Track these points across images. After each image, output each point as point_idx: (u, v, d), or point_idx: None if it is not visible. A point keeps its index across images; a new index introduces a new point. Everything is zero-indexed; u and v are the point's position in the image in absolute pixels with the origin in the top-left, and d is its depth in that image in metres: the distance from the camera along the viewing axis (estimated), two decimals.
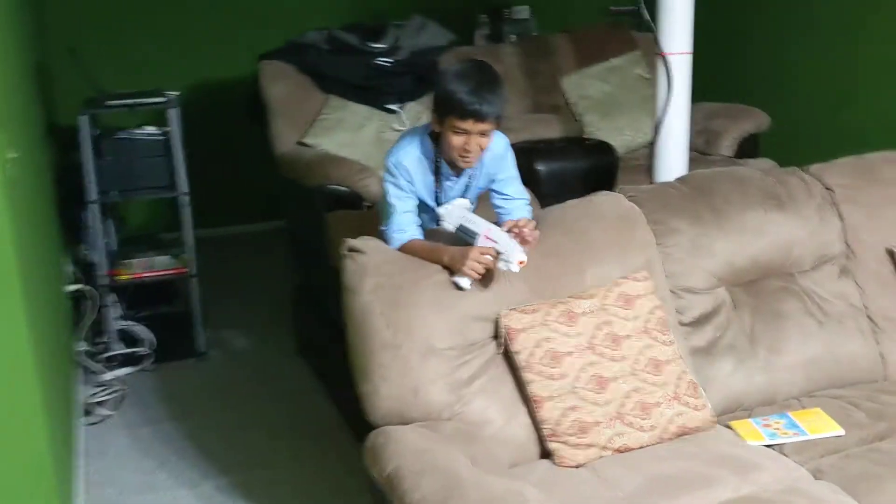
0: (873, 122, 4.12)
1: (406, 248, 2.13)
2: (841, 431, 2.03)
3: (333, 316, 3.13)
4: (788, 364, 2.31)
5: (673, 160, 2.63)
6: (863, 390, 2.30)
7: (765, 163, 3.73)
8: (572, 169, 3.24)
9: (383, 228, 2.21)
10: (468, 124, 2.05)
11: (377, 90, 3.58)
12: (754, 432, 2.06)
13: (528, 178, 3.24)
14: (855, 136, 4.17)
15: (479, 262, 2.00)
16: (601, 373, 2.01)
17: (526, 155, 3.30)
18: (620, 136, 3.84)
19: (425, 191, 2.22)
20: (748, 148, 3.80)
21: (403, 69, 3.61)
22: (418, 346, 1.98)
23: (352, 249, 2.09)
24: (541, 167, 3.22)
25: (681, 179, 2.50)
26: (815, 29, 4.43)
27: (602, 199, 2.32)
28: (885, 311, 2.45)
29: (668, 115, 2.56)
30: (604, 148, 3.42)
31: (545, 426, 1.98)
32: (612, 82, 4.02)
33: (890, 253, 2.47)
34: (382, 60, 3.56)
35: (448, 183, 2.24)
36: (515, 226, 2.09)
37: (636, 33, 4.25)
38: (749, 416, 2.19)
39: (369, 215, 3.14)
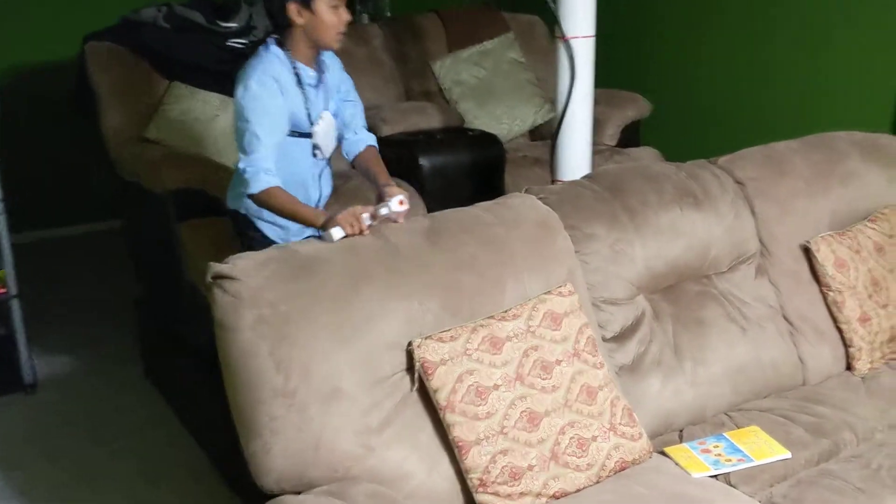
0: (756, 108, 4.09)
1: (272, 196, 1.98)
2: (787, 454, 1.86)
3: (192, 340, 2.71)
4: (715, 376, 2.13)
5: (577, 154, 2.39)
6: (790, 399, 2.15)
7: (648, 151, 3.60)
8: (457, 163, 2.96)
9: (241, 166, 2.02)
10: None
11: (229, 75, 3.11)
12: (695, 461, 1.85)
13: (410, 173, 2.94)
14: (741, 123, 4.13)
15: (357, 217, 1.79)
16: (533, 407, 1.73)
17: (407, 148, 2.99)
18: (498, 124, 3.59)
19: (295, 107, 2.12)
20: (629, 135, 3.65)
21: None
22: (318, 389, 1.62)
23: (220, 276, 1.68)
24: (424, 162, 2.91)
25: (590, 178, 2.26)
26: (693, 19, 4.34)
27: (516, 201, 2.03)
28: (801, 311, 2.32)
29: (572, 105, 2.30)
30: (489, 139, 3.15)
31: (472, 475, 1.67)
32: (486, 67, 3.75)
33: (805, 250, 2.34)
34: (236, 42, 3.11)
35: (312, 91, 2.15)
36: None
37: (507, 15, 4.01)
38: (682, 439, 1.99)
39: (228, 223, 2.72)
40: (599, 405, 1.80)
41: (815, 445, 1.91)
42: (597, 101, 3.74)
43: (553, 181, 2.46)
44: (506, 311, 1.81)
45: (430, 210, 2.92)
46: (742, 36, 4.10)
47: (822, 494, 1.71)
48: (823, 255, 2.31)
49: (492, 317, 1.80)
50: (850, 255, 2.34)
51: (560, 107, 2.35)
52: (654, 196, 2.20)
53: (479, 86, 3.69)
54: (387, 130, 3.10)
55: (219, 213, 2.74)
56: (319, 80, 2.17)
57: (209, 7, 3.17)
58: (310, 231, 2.28)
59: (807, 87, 3.92)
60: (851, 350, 2.31)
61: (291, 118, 2.12)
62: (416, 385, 1.71)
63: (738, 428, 2.00)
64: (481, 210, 1.98)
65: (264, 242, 2.23)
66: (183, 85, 3.11)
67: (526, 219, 1.98)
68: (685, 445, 1.94)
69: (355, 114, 2.33)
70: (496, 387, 1.71)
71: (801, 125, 3.90)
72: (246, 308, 1.64)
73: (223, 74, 3.16)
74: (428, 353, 1.70)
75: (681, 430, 2.05)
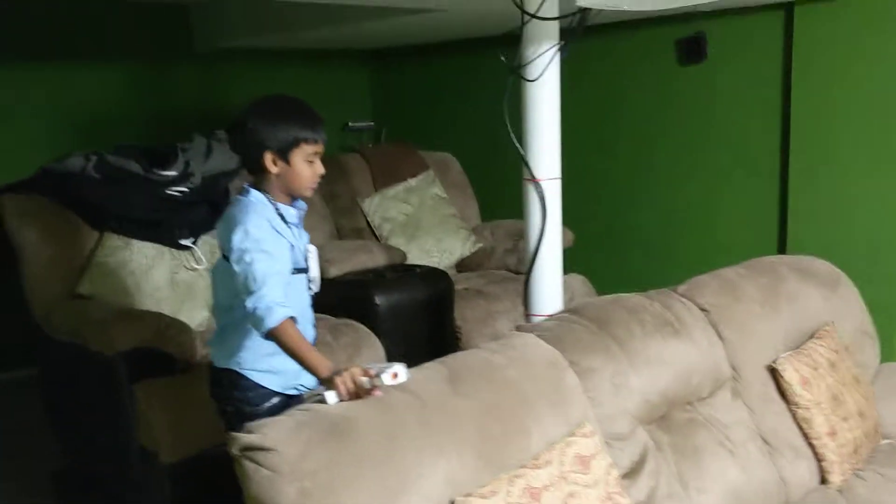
0: (669, 237, 4.38)
1: (288, 330, 1.93)
2: None
3: None
4: (716, 502, 2.15)
5: (550, 288, 2.43)
6: None
7: (576, 278, 3.72)
8: (411, 300, 2.93)
9: (250, 304, 1.95)
10: (319, 146, 2.10)
11: (166, 224, 3.00)
12: None
13: (365, 312, 2.89)
14: (657, 251, 4.40)
15: (355, 380, 1.73)
16: None
17: (360, 288, 2.95)
18: (429, 258, 3.62)
19: (288, 245, 2.13)
20: None
21: (197, 198, 3.08)
22: None
23: (251, 448, 1.57)
24: (380, 301, 2.86)
25: (573, 311, 2.30)
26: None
27: (519, 341, 2.03)
28: (775, 430, 2.40)
29: (544, 241, 2.36)
30: (438, 274, 3.16)
31: None
32: (412, 203, 3.81)
33: (771, 370, 2.45)
34: (174, 190, 3.00)
35: (296, 229, 2.18)
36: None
37: (424, 153, 4.11)
38: None
39: (187, 380, 2.56)
40: None
41: None
42: (522, 232, 3.92)
43: (526, 315, 2.48)
44: (536, 459, 1.77)
45: (386, 350, 2.87)
46: (661, 175, 4.41)
47: None
48: (789, 374, 2.43)
49: (524, 465, 1.75)
50: (811, 372, 2.46)
51: (532, 244, 2.40)
52: (638, 327, 2.25)
53: (407, 222, 3.73)
54: (334, 271, 3.05)
55: (172, 371, 2.58)
56: (300, 219, 2.19)
57: (144, 155, 3.07)
58: (307, 374, 2.16)
59: (710, 219, 4.25)
60: (824, 464, 2.40)
61: (290, 257, 2.11)
62: None
63: None
64: (489, 352, 1.96)
65: (253, 402, 2.11)
66: (116, 236, 2.96)
67: (534, 359, 1.97)
68: None
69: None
70: None
71: (707, 253, 4.23)
72: (286, 482, 1.53)
73: (157, 223, 3.05)
74: None
75: None
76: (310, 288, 2.21)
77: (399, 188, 3.84)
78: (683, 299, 2.48)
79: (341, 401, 1.73)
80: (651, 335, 2.25)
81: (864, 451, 2.49)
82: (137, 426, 2.46)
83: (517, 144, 2.35)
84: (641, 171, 4.43)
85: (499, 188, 4.51)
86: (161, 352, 2.48)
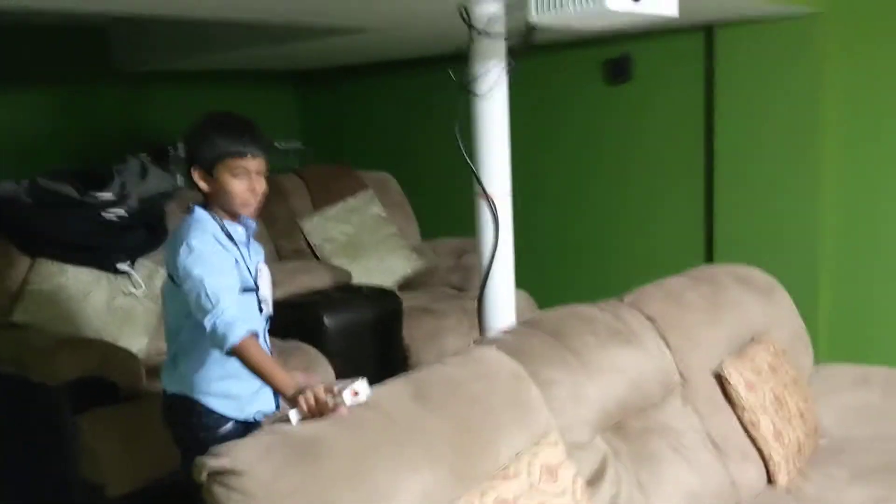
0: (605, 251, 4.47)
1: (251, 347, 1.86)
2: None
3: None
4: None
5: (504, 302, 2.45)
6: None
7: (519, 294, 3.74)
8: (360, 320, 2.91)
9: (208, 322, 1.86)
10: (247, 161, 1.99)
11: (103, 248, 2.90)
12: None
13: (314, 334, 2.85)
14: (592, 263, 4.48)
15: (317, 398, 1.69)
16: None
17: (308, 310, 2.91)
18: (371, 278, 3.60)
19: (237, 262, 2.04)
20: None
21: (133, 221, 2.99)
22: None
23: (220, 472, 1.53)
24: (329, 322, 2.83)
25: (529, 324, 2.32)
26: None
27: (481, 354, 2.03)
28: (723, 434, 2.47)
29: (497, 256, 2.38)
30: (386, 294, 3.14)
31: None
32: (353, 223, 3.80)
33: (717, 377, 2.52)
34: (111, 212, 2.91)
35: (244, 247, 2.09)
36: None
37: (362, 172, 4.10)
38: None
39: (134, 409, 2.48)
40: None
41: None
42: (466, 250, 3.94)
43: (480, 330, 2.49)
44: (506, 470, 1.78)
45: (336, 371, 2.84)
46: (595, 190, 4.51)
47: None
48: (735, 379, 2.50)
49: (495, 477, 1.76)
50: (754, 376, 2.54)
51: (485, 260, 2.42)
52: (592, 337, 2.29)
53: (348, 242, 3.71)
54: (279, 293, 3.00)
55: (117, 400, 2.50)
56: (248, 237, 2.12)
57: (78, 178, 2.97)
58: (262, 400, 2.12)
59: (642, 231, 4.37)
60: (771, 465, 2.47)
61: (237, 273, 2.02)
62: None
63: None
64: (452, 367, 1.96)
65: (207, 427, 2.06)
66: (50, 262, 2.85)
67: (497, 372, 1.98)
68: None
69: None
70: None
71: (640, 263, 4.34)
72: None
73: (93, 248, 2.95)
74: None
75: None
76: (261, 308, 2.14)
77: (338, 208, 3.82)
78: (632, 309, 2.53)
79: (303, 419, 1.70)
80: (605, 345, 2.29)
81: (806, 450, 2.58)
82: (82, 459, 2.37)
83: (468, 161, 2.37)
84: (576, 187, 4.52)
85: (438, 207, 4.54)
86: (106, 380, 2.40)
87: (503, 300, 2.44)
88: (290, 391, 1.80)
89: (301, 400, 1.70)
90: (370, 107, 5.53)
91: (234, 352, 1.86)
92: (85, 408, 2.37)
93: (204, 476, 1.55)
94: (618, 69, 4.43)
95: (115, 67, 4.78)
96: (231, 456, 1.55)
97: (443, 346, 3.18)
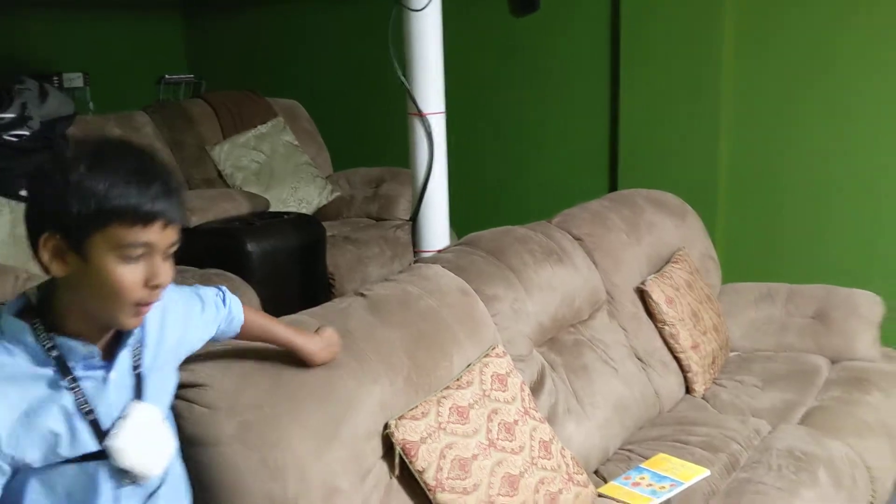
0: (524, 181, 4.50)
1: None
2: (706, 472, 2.05)
3: None
4: (607, 415, 2.29)
5: (439, 224, 2.45)
6: (667, 426, 2.37)
7: None
8: (284, 247, 2.85)
9: None
10: (153, 231, 1.15)
11: (5, 172, 2.71)
12: (635, 496, 1.97)
13: (236, 262, 2.78)
14: (511, 193, 4.49)
15: None
16: (509, 471, 1.74)
17: (230, 236, 2.83)
18: (286, 207, 3.52)
19: (48, 419, 1.17)
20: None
21: (36, 144, 2.80)
22: (317, 494, 1.48)
23: (181, 386, 1.48)
24: (253, 249, 2.76)
25: (466, 244, 2.34)
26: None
27: (429, 272, 2.04)
28: (646, 347, 2.58)
29: (433, 177, 2.37)
30: (309, 220, 3.08)
31: None
32: (264, 151, 3.68)
33: (640, 292, 2.62)
34: (11, 135, 2.70)
35: (90, 384, 1.21)
36: None
37: (270, 100, 3.97)
38: (604, 479, 2.11)
39: None
40: (556, 458, 1.86)
41: (717, 460, 2.13)
42: (384, 179, 3.90)
43: (416, 252, 2.49)
44: (459, 380, 1.81)
45: (261, 298, 2.78)
46: (502, 120, 4.51)
47: (757, 499, 1.92)
48: (657, 295, 2.61)
49: (448, 387, 1.78)
50: (673, 292, 2.66)
51: (420, 180, 2.40)
52: (529, 256, 2.33)
53: (260, 170, 3.60)
54: (196, 220, 2.90)
55: None
56: (113, 361, 1.24)
57: None
58: None
59: (548, 161, 4.43)
60: (689, 375, 2.61)
61: (42, 441, 1.17)
62: (398, 471, 1.64)
63: (646, 459, 2.17)
64: (403, 283, 1.96)
65: None
66: None
67: (447, 288, 2.00)
68: (614, 483, 2.05)
69: (217, 315, 1.47)
70: (475, 457, 1.70)
71: (547, 193, 4.41)
72: (224, 417, 1.47)
73: None
74: (407, 433, 1.64)
75: (595, 471, 2.17)
76: (120, 483, 1.23)
77: (249, 135, 3.69)
78: (560, 230, 2.59)
79: None
80: (541, 263, 2.34)
81: (719, 362, 2.73)
82: None
83: (402, 78, 2.33)
84: (483, 117, 4.52)
85: (348, 139, 4.46)
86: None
87: (438, 221, 2.44)
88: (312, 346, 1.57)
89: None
90: (268, 33, 5.30)
91: None
92: None
93: None
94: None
95: None
96: (193, 370, 1.51)
97: (366, 274, 3.16)
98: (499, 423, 1.78)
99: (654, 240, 2.83)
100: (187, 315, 1.40)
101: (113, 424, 1.22)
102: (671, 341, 2.61)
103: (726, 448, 2.19)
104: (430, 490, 1.63)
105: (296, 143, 3.83)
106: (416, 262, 2.31)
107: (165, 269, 1.18)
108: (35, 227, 1.15)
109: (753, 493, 1.95)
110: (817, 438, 2.21)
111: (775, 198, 3.92)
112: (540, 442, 1.84)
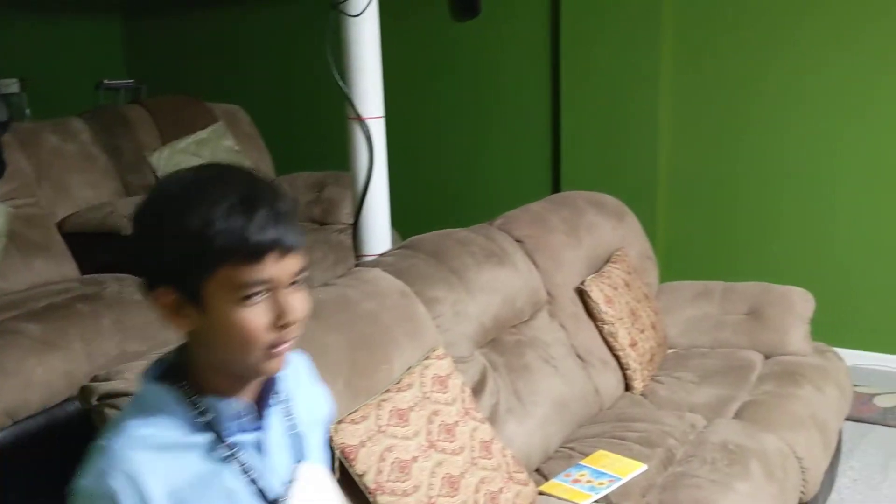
0: (468, 186, 4.53)
1: None
2: (644, 466, 2.10)
3: None
4: (548, 413, 2.32)
5: (380, 228, 2.46)
6: (606, 423, 2.42)
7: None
8: None
9: None
10: (268, 266, 1.02)
11: None
12: (575, 492, 2.01)
13: None
14: (453, 197, 4.53)
15: None
16: (450, 471, 1.76)
17: None
18: None
19: (214, 495, 1.08)
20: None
21: None
22: None
23: (112, 395, 1.48)
24: None
25: (407, 247, 2.35)
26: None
27: (369, 275, 2.05)
28: (586, 346, 2.62)
29: (373, 181, 2.38)
30: None
31: None
32: (204, 156, 3.64)
33: (580, 292, 2.67)
34: None
35: (248, 449, 1.11)
36: None
37: (210, 105, 3.93)
38: (545, 477, 2.14)
39: None
40: (496, 458, 1.89)
41: (654, 455, 2.18)
42: (323, 183, 3.89)
43: (357, 256, 2.49)
44: (399, 382, 1.82)
45: None
46: (446, 123, 4.53)
47: (692, 492, 1.97)
48: (596, 294, 2.65)
49: (388, 390, 1.80)
50: (612, 292, 2.71)
51: (360, 184, 2.41)
52: (470, 258, 2.36)
53: None
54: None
55: None
56: (263, 415, 1.14)
57: None
58: None
59: (492, 164, 4.47)
60: (628, 372, 2.66)
61: None
62: (338, 474, 1.64)
63: (586, 456, 2.21)
64: (343, 287, 1.97)
65: None
66: None
67: (388, 291, 2.01)
68: (555, 481, 2.09)
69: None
70: (415, 458, 1.72)
71: (491, 196, 4.45)
72: None
73: None
74: (346, 437, 1.65)
75: (537, 469, 2.20)
76: None
77: (189, 140, 3.65)
78: (501, 232, 2.62)
79: None
80: (482, 265, 2.37)
81: (657, 359, 2.79)
82: None
83: (341, 83, 2.34)
84: (425, 121, 4.54)
85: (290, 141, 4.44)
86: None
87: (380, 225, 2.45)
88: None
89: None
90: (209, 38, 5.25)
91: None
92: None
93: (94, 400, 1.49)
94: (465, 4, 4.46)
95: None
96: (122, 378, 1.50)
97: (310, 279, 3.15)
98: (439, 425, 1.80)
99: (594, 240, 2.88)
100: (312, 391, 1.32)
101: (283, 490, 1.12)
102: (610, 340, 2.66)
103: (663, 443, 2.24)
104: (370, 493, 1.64)
105: (237, 147, 3.80)
106: (357, 265, 2.31)
107: (295, 302, 1.05)
108: (146, 283, 1.06)
109: (688, 486, 2.01)
110: (750, 432, 2.28)
111: (714, 199, 4.02)
112: (480, 442, 1.87)
